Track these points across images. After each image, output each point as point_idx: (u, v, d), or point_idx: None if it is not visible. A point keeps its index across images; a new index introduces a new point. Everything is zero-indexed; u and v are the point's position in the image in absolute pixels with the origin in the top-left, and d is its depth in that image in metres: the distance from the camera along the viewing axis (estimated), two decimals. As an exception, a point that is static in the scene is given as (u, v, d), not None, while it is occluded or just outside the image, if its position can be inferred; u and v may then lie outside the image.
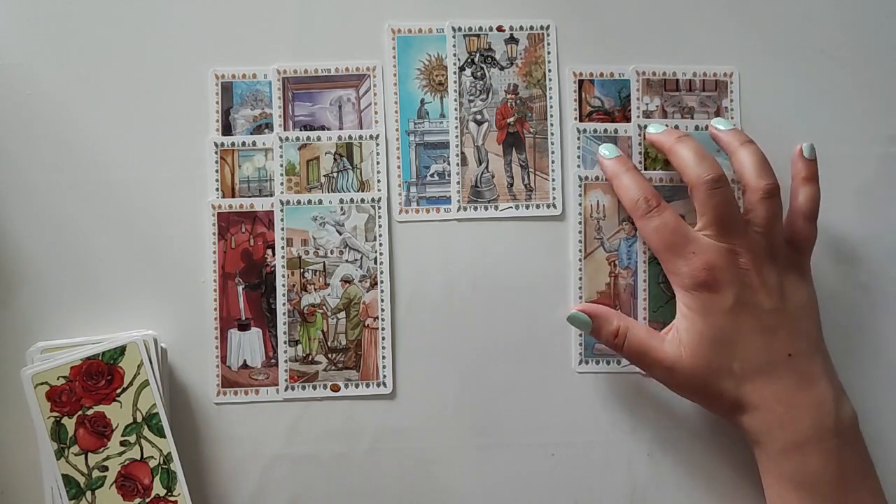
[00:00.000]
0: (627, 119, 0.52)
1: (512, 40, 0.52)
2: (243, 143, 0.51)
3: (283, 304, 0.50)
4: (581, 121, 0.52)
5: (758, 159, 0.47)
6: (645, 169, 0.52)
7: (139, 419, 0.47)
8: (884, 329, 0.52)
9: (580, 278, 0.51)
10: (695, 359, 0.45)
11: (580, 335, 0.51)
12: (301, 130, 0.51)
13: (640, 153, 0.52)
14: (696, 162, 0.46)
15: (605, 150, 0.50)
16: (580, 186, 0.51)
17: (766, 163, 0.47)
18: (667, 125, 0.50)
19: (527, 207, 0.51)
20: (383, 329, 0.50)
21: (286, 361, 0.50)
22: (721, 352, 0.44)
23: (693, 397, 0.46)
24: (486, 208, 0.51)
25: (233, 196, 0.51)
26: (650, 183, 0.49)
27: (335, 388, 0.50)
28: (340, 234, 0.51)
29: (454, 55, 0.52)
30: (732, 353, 0.44)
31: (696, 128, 0.52)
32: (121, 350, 0.47)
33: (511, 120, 0.52)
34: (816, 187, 0.48)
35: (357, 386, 0.50)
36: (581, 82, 0.52)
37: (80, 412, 0.46)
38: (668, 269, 0.47)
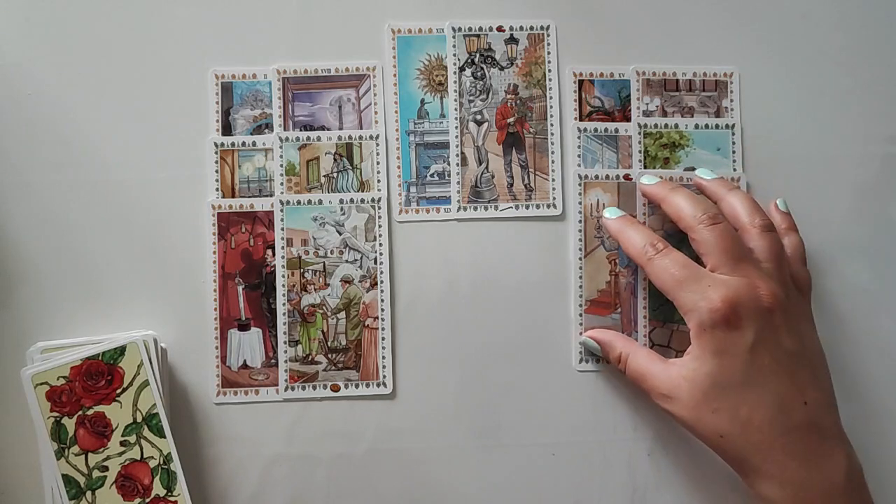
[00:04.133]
0: (627, 119, 0.52)
1: (512, 40, 0.52)
2: (243, 144, 0.51)
3: (283, 304, 0.50)
4: (581, 121, 0.52)
5: (748, 202, 0.46)
6: (644, 168, 0.52)
7: (139, 419, 0.47)
8: (884, 329, 0.51)
9: (580, 277, 0.51)
10: (696, 398, 0.42)
11: (580, 334, 0.51)
12: (301, 130, 0.51)
13: (640, 152, 0.52)
14: (691, 205, 0.45)
15: (609, 213, 0.50)
16: (580, 185, 0.51)
17: (756, 204, 0.47)
18: (661, 177, 0.50)
19: (527, 207, 0.51)
20: (383, 329, 0.50)
21: (286, 361, 0.50)
22: (729, 395, 0.42)
23: (694, 433, 0.44)
24: (486, 208, 0.51)
25: (233, 196, 0.51)
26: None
27: (335, 388, 0.50)
28: (340, 234, 0.51)
29: (454, 55, 0.52)
30: (742, 396, 0.41)
31: (696, 126, 0.52)
32: (121, 350, 0.47)
33: (511, 120, 0.52)
34: (798, 235, 0.48)
35: (357, 386, 0.50)
36: (581, 82, 0.52)
37: (80, 412, 0.46)
38: (684, 307, 0.44)
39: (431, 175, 0.51)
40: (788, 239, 0.48)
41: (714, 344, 0.42)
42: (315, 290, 0.51)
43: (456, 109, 0.52)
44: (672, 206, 0.47)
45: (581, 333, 0.50)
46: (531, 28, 0.52)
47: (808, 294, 0.47)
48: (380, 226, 0.51)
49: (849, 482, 0.41)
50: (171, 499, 0.47)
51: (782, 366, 0.42)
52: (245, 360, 0.50)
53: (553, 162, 0.52)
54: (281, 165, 0.51)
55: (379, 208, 0.51)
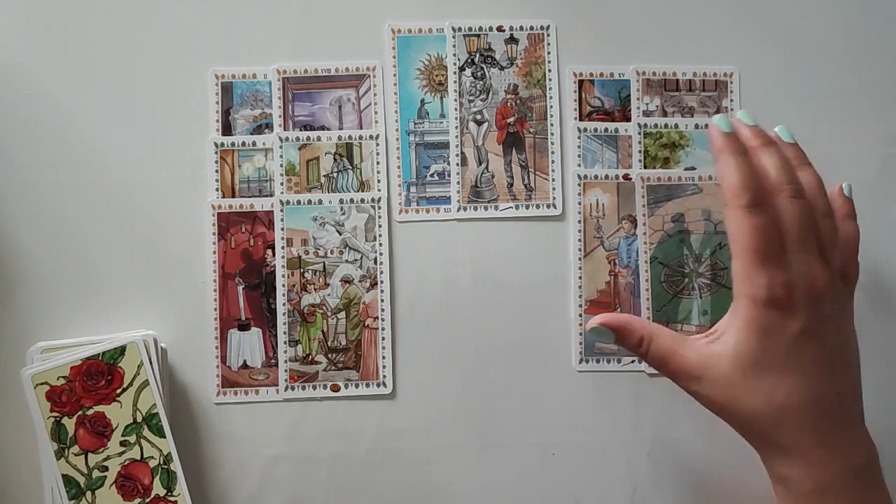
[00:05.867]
0: (627, 119, 0.52)
1: (512, 40, 0.52)
2: (243, 143, 0.51)
3: (283, 304, 0.50)
4: (581, 120, 0.52)
5: (819, 183, 0.43)
6: (644, 167, 0.52)
7: (139, 419, 0.47)
8: (884, 329, 0.51)
9: (580, 277, 0.51)
10: (734, 376, 0.40)
11: (580, 334, 0.51)
12: (301, 130, 0.51)
13: (639, 152, 0.52)
14: (780, 169, 0.41)
15: (720, 121, 0.42)
16: (580, 185, 0.51)
17: (824, 187, 0.43)
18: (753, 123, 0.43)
19: (527, 207, 0.51)
20: (383, 329, 0.50)
21: (286, 361, 0.50)
22: (768, 377, 0.40)
23: (721, 413, 0.42)
24: (486, 208, 0.51)
25: (233, 196, 0.51)
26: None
27: (335, 388, 0.50)
28: (340, 234, 0.51)
29: (454, 55, 0.52)
30: (781, 380, 0.40)
31: (696, 126, 0.52)
32: (121, 350, 0.47)
33: (511, 120, 0.52)
34: (856, 224, 0.46)
35: (357, 386, 0.50)
36: (581, 82, 0.52)
37: (80, 412, 0.46)
38: (745, 274, 0.40)
39: (431, 175, 0.51)
40: (846, 226, 0.45)
41: (764, 323, 0.40)
42: (315, 290, 0.51)
43: (456, 109, 0.52)
44: (755, 162, 0.41)
45: (581, 325, 0.50)
46: (531, 28, 0.52)
47: (853, 287, 0.46)
48: (380, 226, 0.51)
49: (868, 464, 0.41)
50: (171, 499, 0.47)
51: (823, 357, 0.41)
52: (245, 360, 0.50)
53: (553, 162, 0.52)
54: (281, 165, 0.51)
55: (379, 208, 0.51)
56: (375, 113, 0.51)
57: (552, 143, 0.52)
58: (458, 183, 0.51)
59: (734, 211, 0.40)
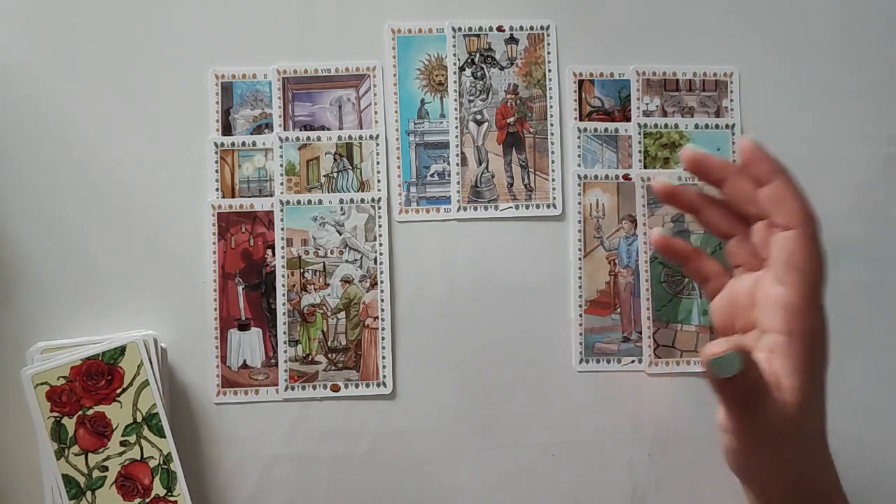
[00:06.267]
0: (627, 119, 0.52)
1: (512, 40, 0.52)
2: (243, 143, 0.51)
3: (283, 304, 0.50)
4: (581, 121, 0.52)
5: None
6: (644, 167, 0.52)
7: (139, 419, 0.47)
8: (884, 329, 0.51)
9: (580, 277, 0.51)
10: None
11: (580, 334, 0.51)
12: (301, 130, 0.51)
13: (639, 152, 0.52)
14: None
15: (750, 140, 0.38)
16: (579, 185, 0.51)
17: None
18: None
19: (527, 207, 0.51)
20: (383, 329, 0.50)
21: (286, 361, 0.50)
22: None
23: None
24: (486, 208, 0.51)
25: (233, 196, 0.51)
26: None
27: (335, 388, 0.50)
28: (340, 234, 0.51)
29: (454, 55, 0.52)
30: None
31: (696, 126, 0.52)
32: (121, 350, 0.47)
33: (511, 120, 0.52)
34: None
35: (357, 386, 0.50)
36: (581, 82, 0.52)
37: (80, 412, 0.46)
38: (804, 308, 0.36)
39: (431, 175, 0.51)
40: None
41: (822, 362, 0.36)
42: (315, 290, 0.51)
43: (456, 109, 0.52)
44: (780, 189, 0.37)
45: (581, 326, 0.50)
46: (531, 28, 0.52)
47: None
48: (380, 226, 0.51)
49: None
50: (171, 499, 0.47)
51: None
52: (245, 360, 0.50)
53: (553, 162, 0.52)
54: (281, 165, 0.51)
55: (379, 208, 0.51)
56: (375, 113, 0.51)
57: (552, 143, 0.52)
58: (458, 183, 0.51)
59: (805, 237, 0.36)
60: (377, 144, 0.51)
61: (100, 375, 0.46)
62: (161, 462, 0.47)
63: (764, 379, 0.34)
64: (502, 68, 0.52)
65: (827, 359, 0.36)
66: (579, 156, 0.52)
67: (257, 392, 0.50)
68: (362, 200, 0.51)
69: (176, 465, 0.47)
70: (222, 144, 0.51)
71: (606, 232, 0.51)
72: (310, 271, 0.51)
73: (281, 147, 0.51)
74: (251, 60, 0.51)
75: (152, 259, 0.50)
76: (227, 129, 0.51)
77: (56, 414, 0.46)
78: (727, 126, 0.52)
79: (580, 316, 0.51)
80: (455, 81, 0.52)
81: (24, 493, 0.49)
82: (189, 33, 0.51)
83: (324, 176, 0.51)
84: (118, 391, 0.47)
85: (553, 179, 0.52)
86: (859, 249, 0.52)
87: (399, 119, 0.51)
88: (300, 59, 0.51)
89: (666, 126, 0.52)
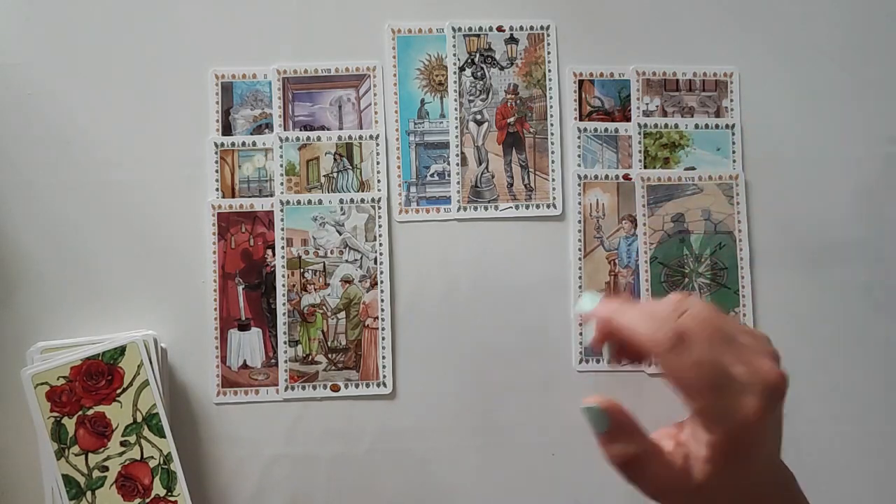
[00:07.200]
0: (627, 119, 0.52)
1: (512, 40, 0.52)
2: (243, 143, 0.51)
3: (283, 304, 0.50)
4: (581, 120, 0.52)
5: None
6: (644, 167, 0.52)
7: (139, 419, 0.47)
8: (884, 329, 0.51)
9: (580, 277, 0.51)
10: None
11: (580, 334, 0.51)
12: (301, 130, 0.51)
13: (640, 152, 0.52)
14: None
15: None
16: (579, 185, 0.51)
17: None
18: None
19: (527, 207, 0.51)
20: (383, 329, 0.50)
21: (286, 361, 0.50)
22: None
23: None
24: (486, 208, 0.51)
25: (233, 196, 0.51)
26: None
27: (335, 388, 0.50)
28: (340, 234, 0.51)
29: (454, 55, 0.52)
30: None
31: (696, 126, 0.52)
32: (121, 350, 0.47)
33: (511, 120, 0.52)
34: None
35: (357, 386, 0.50)
36: (581, 82, 0.52)
37: (80, 412, 0.46)
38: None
39: (431, 175, 0.51)
40: None
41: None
42: (315, 290, 0.51)
43: (456, 109, 0.52)
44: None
45: (580, 326, 0.50)
46: (531, 28, 0.52)
47: None
48: (380, 226, 0.51)
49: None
50: (171, 499, 0.47)
51: None
52: (245, 360, 0.50)
53: (553, 162, 0.52)
54: (281, 165, 0.51)
55: (379, 208, 0.51)
56: (375, 113, 0.51)
57: (552, 143, 0.52)
58: (458, 183, 0.51)
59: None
60: (377, 144, 0.51)
61: (100, 375, 0.46)
62: (161, 462, 0.47)
63: (649, 447, 0.31)
64: (502, 68, 0.52)
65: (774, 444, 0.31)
66: (579, 156, 0.52)
67: (257, 392, 0.50)
68: (362, 200, 0.51)
69: (176, 465, 0.47)
70: (222, 144, 0.51)
71: (606, 232, 0.51)
72: (310, 271, 0.51)
73: (281, 147, 0.51)
74: (251, 60, 0.51)
75: (152, 259, 0.50)
76: (227, 129, 0.51)
77: (56, 414, 0.46)
78: (727, 126, 0.52)
79: (580, 316, 0.51)
80: (455, 81, 0.52)
81: (24, 493, 0.49)
82: (189, 33, 0.51)
83: (324, 176, 0.51)
84: (118, 391, 0.47)
85: (553, 179, 0.52)
86: (859, 249, 0.52)
87: (399, 119, 0.51)
88: (300, 59, 0.51)
89: (666, 126, 0.52)
